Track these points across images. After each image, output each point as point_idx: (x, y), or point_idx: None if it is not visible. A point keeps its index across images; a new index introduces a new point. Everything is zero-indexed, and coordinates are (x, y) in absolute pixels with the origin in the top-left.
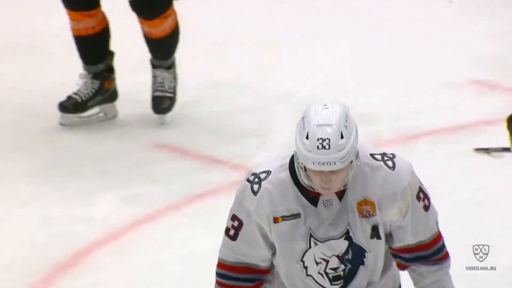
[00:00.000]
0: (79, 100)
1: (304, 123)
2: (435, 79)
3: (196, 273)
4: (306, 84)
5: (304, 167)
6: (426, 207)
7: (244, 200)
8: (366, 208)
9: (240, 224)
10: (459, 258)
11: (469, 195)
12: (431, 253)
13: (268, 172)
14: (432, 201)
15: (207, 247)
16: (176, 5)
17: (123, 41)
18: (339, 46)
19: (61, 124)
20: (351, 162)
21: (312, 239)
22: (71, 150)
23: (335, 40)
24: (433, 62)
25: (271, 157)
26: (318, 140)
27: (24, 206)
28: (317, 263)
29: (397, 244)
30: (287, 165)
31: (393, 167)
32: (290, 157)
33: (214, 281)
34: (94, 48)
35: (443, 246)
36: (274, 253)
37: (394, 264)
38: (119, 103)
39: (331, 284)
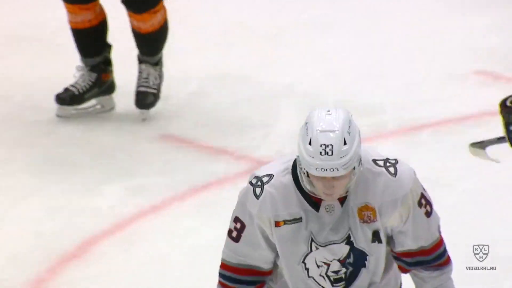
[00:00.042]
0: (76, 93)
1: (307, 129)
2: (439, 70)
3: (200, 263)
4: (311, 75)
5: (307, 172)
6: (428, 213)
7: (246, 203)
8: (367, 213)
9: (243, 226)
10: (459, 258)
11: (473, 186)
12: (432, 258)
13: (271, 176)
14: (434, 207)
15: (212, 238)
16: (168, 4)
17: (121, 33)
18: (343, 38)
19: (58, 116)
20: (354, 168)
21: (313, 243)
22: (75, 141)
23: (339, 31)
24: (437, 53)
25: (274, 160)
26: (321, 146)
27: (28, 197)
28: (318, 266)
29: (398, 248)
30: (290, 169)
31: (395, 174)
32: (293, 161)
33: (217, 280)
34: (91, 41)
35: (445, 251)
36: (277, 255)
37: (395, 264)
38: (116, 95)
39: (333, 286)
